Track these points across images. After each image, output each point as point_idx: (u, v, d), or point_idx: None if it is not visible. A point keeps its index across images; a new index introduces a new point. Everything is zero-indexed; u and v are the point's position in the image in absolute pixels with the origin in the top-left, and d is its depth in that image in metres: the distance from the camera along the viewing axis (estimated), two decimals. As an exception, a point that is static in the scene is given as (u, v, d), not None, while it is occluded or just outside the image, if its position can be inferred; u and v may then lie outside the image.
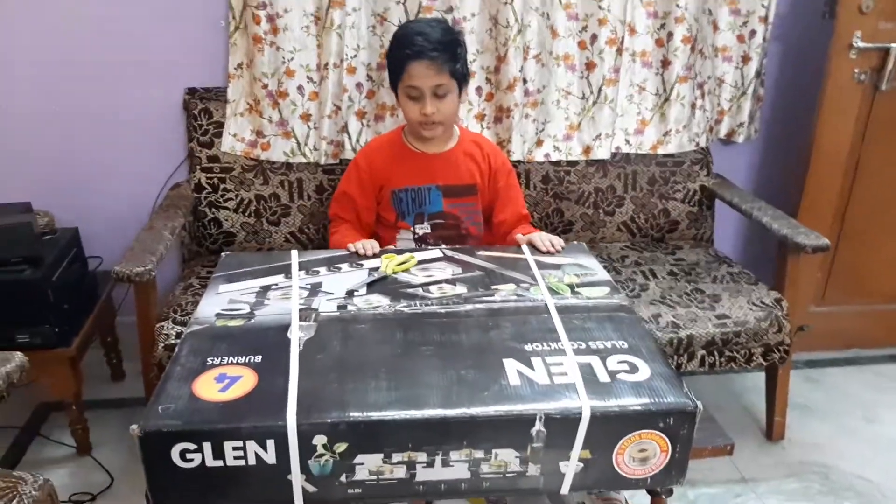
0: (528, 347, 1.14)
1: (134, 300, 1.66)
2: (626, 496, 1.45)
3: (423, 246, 1.71)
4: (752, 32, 2.20)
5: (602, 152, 2.16)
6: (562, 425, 1.00)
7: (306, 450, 0.95)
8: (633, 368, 1.10)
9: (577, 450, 1.02)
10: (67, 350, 1.71)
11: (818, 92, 2.14)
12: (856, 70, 2.10)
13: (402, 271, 1.42)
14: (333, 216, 1.80)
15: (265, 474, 0.96)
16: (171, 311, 1.69)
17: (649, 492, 1.30)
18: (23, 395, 2.09)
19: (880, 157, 2.23)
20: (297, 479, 0.97)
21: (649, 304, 1.86)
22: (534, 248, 1.56)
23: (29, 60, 2.01)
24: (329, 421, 0.95)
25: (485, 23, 2.04)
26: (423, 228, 1.72)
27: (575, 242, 1.63)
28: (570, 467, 1.03)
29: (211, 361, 1.07)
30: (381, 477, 0.99)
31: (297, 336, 1.14)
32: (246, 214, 2.06)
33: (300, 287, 1.32)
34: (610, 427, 1.02)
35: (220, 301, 1.27)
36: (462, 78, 1.66)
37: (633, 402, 1.03)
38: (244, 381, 1.02)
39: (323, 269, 1.42)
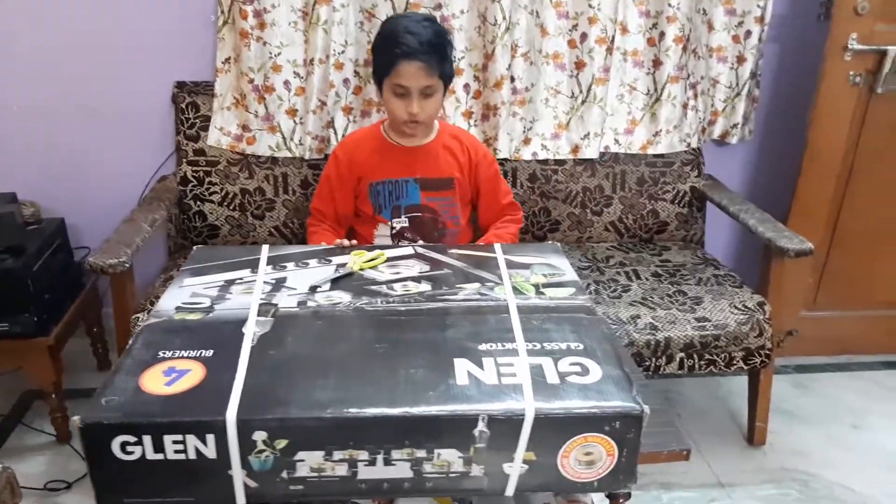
0: (481, 347, 1.13)
1: (117, 291, 1.69)
2: (593, 497, 1.45)
3: (399, 242, 1.72)
4: (748, 33, 2.17)
5: (590, 151, 2.15)
6: (505, 426, 0.99)
7: (246, 445, 0.95)
8: (585, 371, 1.09)
9: (521, 451, 1.01)
10: (46, 339, 1.74)
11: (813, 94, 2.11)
12: (851, 72, 2.07)
13: (370, 268, 1.42)
14: (313, 209, 1.82)
15: (206, 469, 0.96)
16: (148, 303, 1.71)
17: (608, 496, 1.29)
18: (8, 383, 2.15)
19: (875, 162, 2.20)
20: (237, 474, 0.97)
21: (629, 304, 1.85)
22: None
23: (18, 52, 2.04)
24: (269, 417, 0.95)
25: (473, 20, 2.04)
26: (401, 222, 1.73)
27: (549, 243, 1.63)
28: (515, 469, 1.03)
29: (162, 354, 1.07)
30: (322, 474, 0.98)
31: (251, 331, 1.14)
32: (231, 208, 2.07)
33: (264, 282, 1.33)
34: (554, 429, 1.01)
35: (183, 294, 1.28)
36: (448, 78, 1.67)
37: (578, 404, 1.01)
38: (192, 374, 1.03)
39: (290, 265, 1.42)
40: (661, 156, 2.22)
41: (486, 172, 1.80)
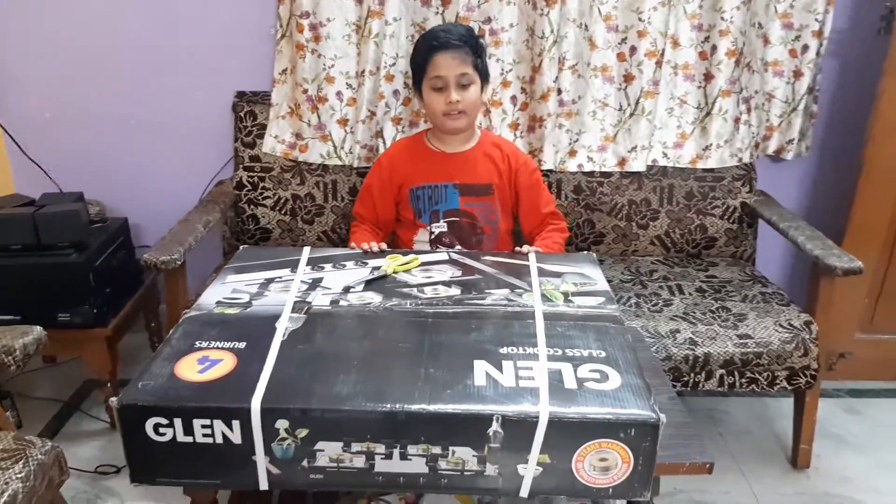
0: (503, 350, 1.16)
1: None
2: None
3: (437, 247, 1.75)
4: (805, 47, 2.13)
5: (637, 164, 2.14)
6: (519, 428, 1.01)
7: (270, 433, 1.00)
8: (604, 377, 1.10)
9: (536, 453, 1.03)
10: (104, 330, 1.85)
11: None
12: (911, 88, 2.01)
13: (404, 271, 1.46)
14: (356, 213, 1.88)
15: (232, 453, 1.01)
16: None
17: (629, 504, 1.29)
18: (70, 372, 2.28)
19: (936, 180, 2.12)
20: (261, 460, 1.02)
21: (669, 319, 1.83)
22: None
23: (90, 62, 2.19)
24: (291, 407, 1.00)
25: (522, 34, 2.07)
26: (439, 227, 1.77)
27: (584, 253, 1.63)
28: (529, 470, 1.04)
29: (199, 345, 1.14)
30: (341, 465, 1.03)
31: (283, 326, 1.20)
32: (282, 212, 2.15)
33: (301, 281, 1.39)
34: (569, 433, 1.02)
35: (224, 290, 1.35)
36: (483, 73, 1.73)
37: (594, 410, 1.03)
38: (223, 364, 1.09)
39: (328, 266, 1.48)
40: (711, 170, 2.19)
41: (527, 180, 1.82)
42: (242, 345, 1.14)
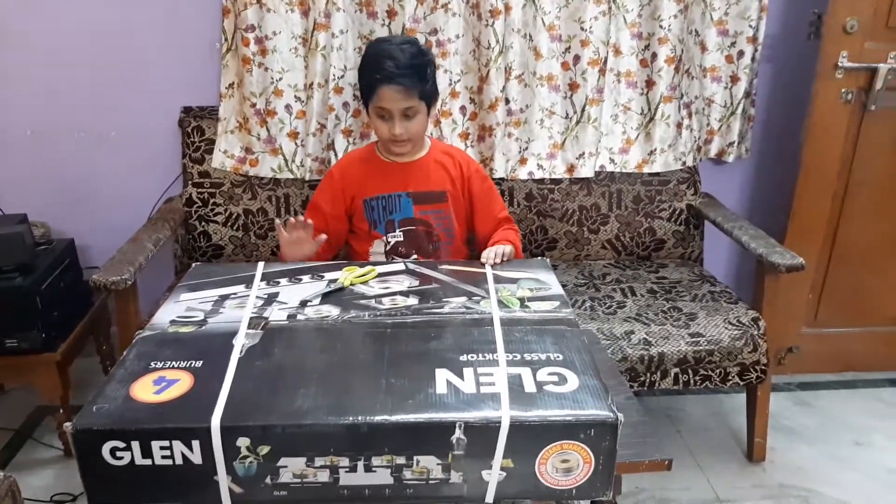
0: (463, 358, 1.16)
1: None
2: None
3: (394, 257, 1.76)
4: (741, 53, 2.21)
5: (586, 171, 2.19)
6: (482, 434, 1.02)
7: (231, 451, 0.99)
8: (562, 380, 1.12)
9: (499, 459, 1.04)
10: (54, 355, 1.80)
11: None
12: (843, 90, 2.10)
13: (361, 283, 1.46)
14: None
15: (193, 474, 1.00)
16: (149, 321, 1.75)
17: (593, 504, 1.31)
18: (20, 400, 2.21)
19: (871, 178, 2.22)
20: (223, 479, 1.00)
21: (623, 320, 1.87)
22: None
23: (31, 79, 2.13)
24: (251, 424, 0.99)
25: (468, 44, 2.09)
26: (395, 237, 1.77)
27: (538, 258, 1.66)
28: (493, 476, 1.05)
29: (153, 365, 1.12)
30: (304, 480, 1.02)
31: (240, 343, 1.19)
32: (234, 228, 2.13)
33: (256, 297, 1.37)
34: (531, 437, 1.04)
35: (178, 308, 1.33)
36: (431, 96, 1.72)
37: (554, 413, 1.04)
38: (180, 384, 1.07)
39: (284, 280, 1.46)
40: (657, 174, 2.24)
41: (480, 187, 1.83)
42: (199, 363, 1.12)
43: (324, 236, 1.68)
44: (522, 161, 2.19)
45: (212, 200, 2.12)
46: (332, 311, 1.32)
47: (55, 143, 2.19)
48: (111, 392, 1.05)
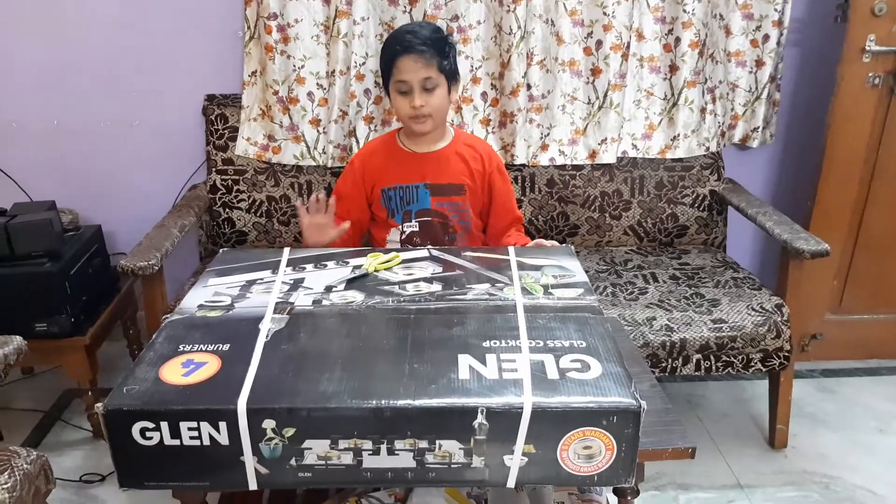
0: (486, 344, 1.17)
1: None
2: (609, 497, 1.47)
3: (408, 247, 1.76)
4: (766, 37, 2.18)
5: (608, 157, 2.18)
6: (504, 419, 1.03)
7: (257, 433, 1.01)
8: (585, 367, 1.12)
9: (521, 444, 1.05)
10: (83, 338, 1.84)
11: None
12: (870, 74, 2.07)
13: (385, 269, 1.47)
14: None
15: (219, 455, 1.02)
16: (177, 305, 1.78)
17: (615, 492, 1.32)
18: (50, 382, 2.26)
19: (898, 163, 2.18)
20: (249, 460, 1.03)
21: (645, 307, 1.87)
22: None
23: (56, 68, 2.17)
24: (277, 407, 1.00)
25: (490, 30, 2.09)
26: (411, 227, 1.77)
27: (564, 246, 1.65)
28: (515, 461, 1.06)
29: (182, 348, 1.14)
30: (329, 462, 1.03)
31: (266, 327, 1.21)
32: (258, 215, 2.15)
33: (282, 282, 1.39)
34: (553, 423, 1.04)
35: (206, 293, 1.35)
36: (450, 75, 1.71)
37: (576, 399, 1.04)
38: (208, 367, 1.09)
39: (309, 266, 1.48)
40: (680, 160, 2.23)
41: (501, 185, 1.82)
42: (226, 347, 1.14)
43: (346, 224, 1.70)
44: (544, 147, 2.19)
45: (235, 187, 2.14)
46: (356, 296, 1.34)
47: (81, 133, 2.23)
48: (141, 374, 1.07)
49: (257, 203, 2.15)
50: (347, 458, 1.04)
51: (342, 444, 1.03)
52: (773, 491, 1.86)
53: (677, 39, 2.12)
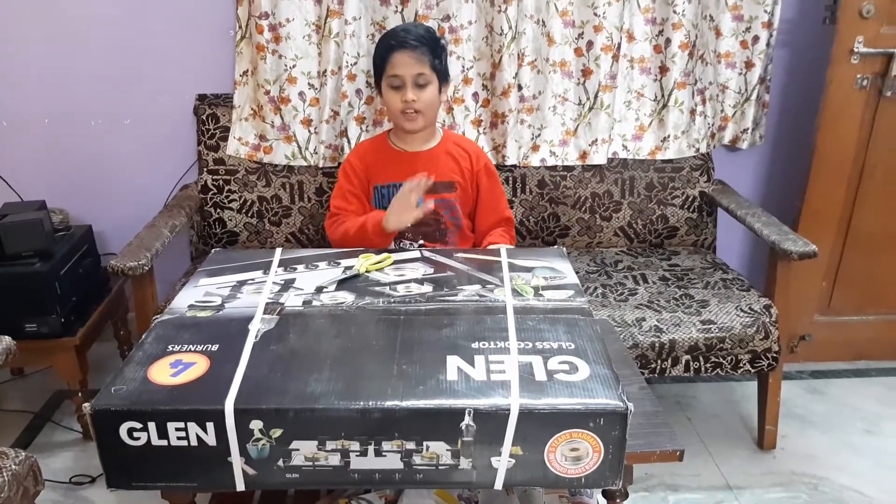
0: (474, 345, 1.18)
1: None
2: (599, 499, 1.48)
3: (402, 242, 1.77)
4: (756, 38, 2.19)
5: (598, 157, 2.18)
6: (491, 421, 1.03)
7: (244, 434, 1.01)
8: (573, 369, 1.13)
9: (508, 446, 1.05)
10: (73, 339, 1.83)
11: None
12: (858, 76, 2.08)
13: (376, 270, 1.47)
14: (337, 209, 1.83)
15: (207, 455, 1.02)
16: (167, 305, 1.78)
17: (604, 494, 1.32)
18: (39, 383, 2.26)
19: (886, 164, 2.20)
20: (236, 461, 1.03)
21: (635, 307, 1.88)
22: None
23: (48, 66, 2.16)
24: (264, 407, 1.00)
25: (481, 30, 2.09)
26: None
27: (555, 247, 1.66)
28: (502, 463, 1.07)
29: (171, 348, 1.14)
30: (316, 463, 1.04)
31: (256, 328, 1.21)
32: (249, 215, 2.15)
33: (273, 282, 1.39)
34: (540, 425, 1.05)
35: (197, 293, 1.35)
36: (442, 74, 1.75)
37: (563, 401, 1.05)
38: (196, 367, 1.09)
39: (301, 267, 1.48)
40: (670, 161, 2.24)
41: (487, 183, 1.85)
42: (215, 347, 1.14)
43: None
44: (535, 148, 2.19)
45: (227, 187, 2.14)
46: (347, 297, 1.34)
47: (72, 131, 2.22)
48: (129, 374, 1.07)
49: (248, 203, 2.15)
50: (335, 460, 1.04)
51: (329, 445, 1.03)
52: (762, 492, 1.87)
53: (667, 41, 2.13)
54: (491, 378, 1.09)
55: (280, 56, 2.07)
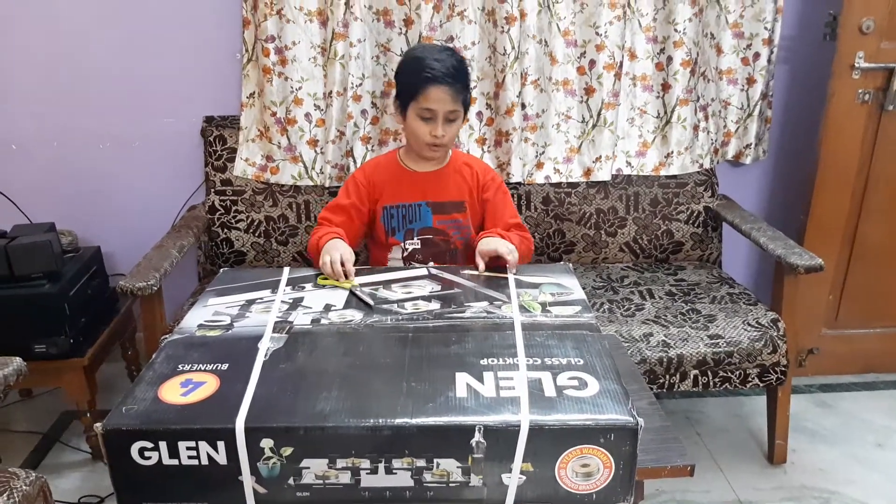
0: (483, 362, 1.18)
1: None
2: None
3: (411, 264, 1.78)
4: (757, 55, 2.21)
5: (603, 174, 2.20)
6: (501, 437, 1.03)
7: (255, 452, 1.01)
8: (583, 385, 1.13)
9: (519, 462, 1.05)
10: (81, 360, 1.84)
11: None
12: (860, 90, 2.10)
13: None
14: (322, 219, 1.79)
15: (218, 474, 1.02)
16: (176, 325, 1.79)
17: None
18: (48, 404, 2.26)
19: (889, 178, 2.21)
20: (247, 479, 1.03)
21: (642, 323, 1.88)
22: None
23: (56, 90, 2.19)
24: (274, 426, 1.01)
25: (484, 51, 2.12)
26: (413, 244, 1.79)
27: (560, 263, 1.66)
28: (513, 479, 1.06)
29: (181, 368, 1.15)
30: (327, 482, 1.04)
31: (265, 346, 1.21)
32: (256, 235, 2.16)
33: (282, 301, 1.40)
34: (550, 441, 1.04)
35: (206, 313, 1.36)
36: (467, 107, 1.75)
37: (574, 417, 1.05)
38: (207, 386, 1.09)
39: (308, 286, 1.49)
40: (674, 177, 2.25)
41: (493, 193, 1.83)
42: (225, 366, 1.15)
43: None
44: (539, 165, 2.21)
45: (234, 208, 2.16)
46: (355, 315, 1.35)
47: (81, 154, 2.25)
48: (140, 393, 1.08)
49: (255, 223, 2.16)
50: (345, 478, 1.04)
51: (340, 463, 1.03)
52: (772, 507, 1.87)
53: (669, 58, 2.15)
54: (500, 394, 1.09)
55: (286, 78, 2.09)
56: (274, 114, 2.11)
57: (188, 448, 1.00)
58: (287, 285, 1.48)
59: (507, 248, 1.55)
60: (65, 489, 1.89)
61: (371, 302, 1.40)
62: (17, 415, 2.25)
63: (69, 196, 2.27)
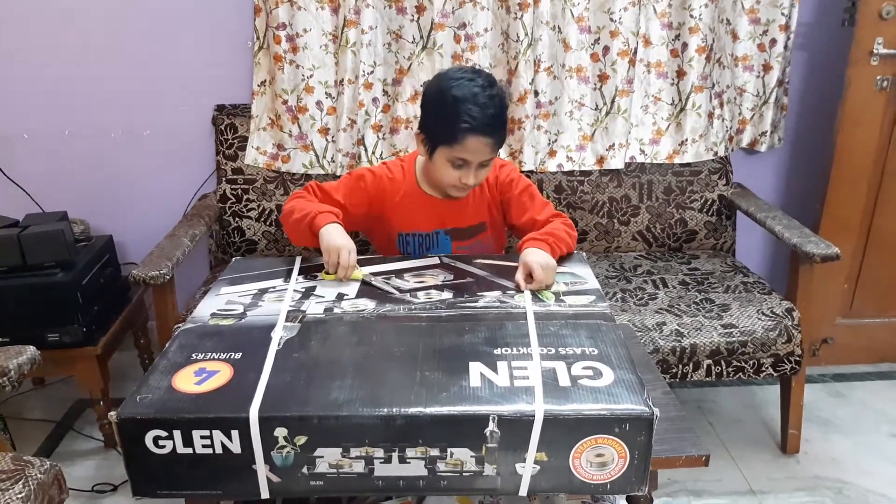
0: (497, 351, 1.17)
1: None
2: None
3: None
4: (773, 41, 2.18)
5: (616, 162, 2.18)
6: (515, 427, 1.03)
7: (269, 441, 1.01)
8: (597, 374, 1.12)
9: (533, 452, 1.05)
10: (94, 348, 1.85)
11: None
12: (878, 77, 2.06)
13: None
14: (314, 188, 1.63)
15: (232, 463, 1.02)
16: (189, 314, 1.79)
17: (628, 500, 1.31)
18: (61, 392, 2.28)
19: (908, 166, 2.17)
20: (261, 468, 1.03)
21: (655, 312, 1.87)
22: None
23: (68, 79, 2.19)
24: (288, 415, 1.01)
25: (497, 37, 2.10)
26: None
27: (575, 252, 1.63)
28: (527, 469, 1.06)
29: (195, 357, 1.15)
30: (340, 470, 1.04)
31: (278, 335, 1.21)
32: (267, 223, 2.16)
33: (294, 290, 1.40)
34: (565, 430, 1.04)
35: (219, 302, 1.36)
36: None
37: (588, 406, 1.04)
38: (220, 375, 1.09)
39: (320, 275, 1.49)
40: (688, 165, 2.23)
41: (512, 193, 1.68)
42: (238, 355, 1.15)
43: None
44: (552, 153, 2.19)
45: (245, 196, 2.15)
46: (367, 304, 1.34)
47: (92, 143, 2.25)
48: (154, 382, 1.08)
49: (267, 212, 2.16)
50: (359, 467, 1.04)
51: (354, 452, 1.03)
52: (786, 496, 1.85)
53: (684, 45, 2.12)
54: (514, 384, 1.09)
55: (297, 66, 2.08)
56: (285, 102, 2.10)
57: (202, 437, 1.01)
58: (299, 274, 1.48)
59: (540, 271, 1.40)
60: (78, 477, 1.90)
61: (395, 292, 1.39)
62: (30, 403, 2.27)
63: (81, 185, 2.28)
